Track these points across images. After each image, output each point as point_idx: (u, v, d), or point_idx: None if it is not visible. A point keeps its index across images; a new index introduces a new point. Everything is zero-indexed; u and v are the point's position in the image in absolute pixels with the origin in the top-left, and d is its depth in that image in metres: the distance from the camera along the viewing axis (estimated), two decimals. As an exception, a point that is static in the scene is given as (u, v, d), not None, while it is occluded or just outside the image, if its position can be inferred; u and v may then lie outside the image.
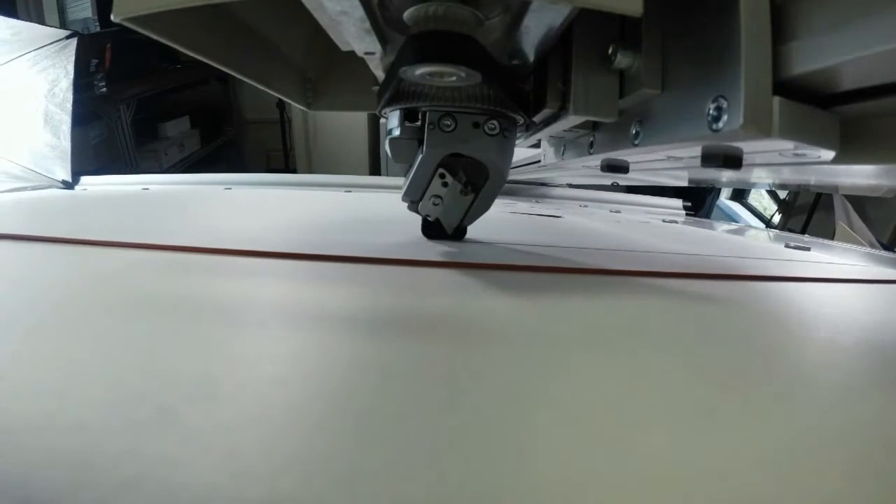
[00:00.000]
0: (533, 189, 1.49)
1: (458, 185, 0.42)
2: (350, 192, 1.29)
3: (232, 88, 2.84)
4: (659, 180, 0.71)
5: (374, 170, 2.45)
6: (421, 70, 0.30)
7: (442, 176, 0.42)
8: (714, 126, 0.23)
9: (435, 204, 0.44)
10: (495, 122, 0.38)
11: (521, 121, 0.41)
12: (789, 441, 0.16)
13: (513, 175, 1.24)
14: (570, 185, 1.49)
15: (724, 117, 0.23)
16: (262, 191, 1.22)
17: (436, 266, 0.39)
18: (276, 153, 2.80)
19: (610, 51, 0.30)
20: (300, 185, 1.36)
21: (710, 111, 0.23)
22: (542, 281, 0.37)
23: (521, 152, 0.85)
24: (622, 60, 0.29)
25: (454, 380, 0.19)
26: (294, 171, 2.55)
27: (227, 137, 2.89)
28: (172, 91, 2.46)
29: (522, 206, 1.15)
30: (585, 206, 1.35)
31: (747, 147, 0.25)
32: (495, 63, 0.34)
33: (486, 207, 0.44)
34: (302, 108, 0.50)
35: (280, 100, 2.57)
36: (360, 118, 2.37)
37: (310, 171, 2.50)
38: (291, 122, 2.62)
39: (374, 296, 0.30)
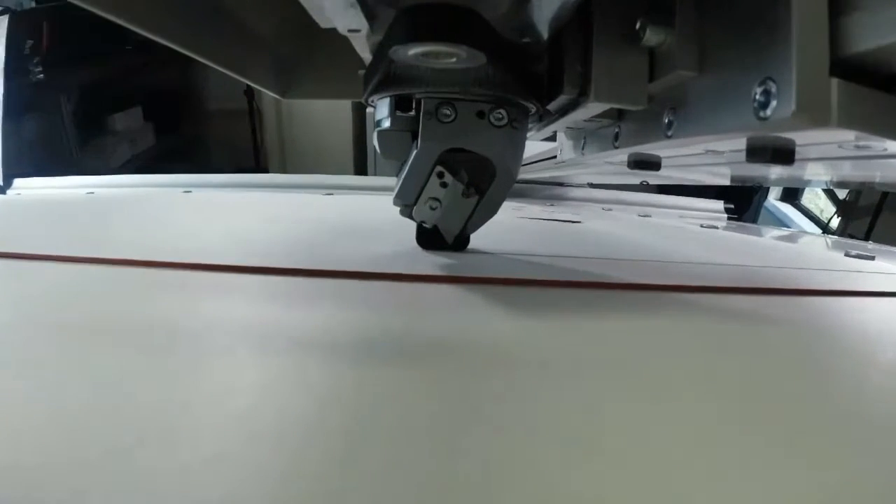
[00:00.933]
0: (547, 190, 1.50)
1: (459, 185, 0.42)
2: (331, 194, 1.29)
3: (192, 74, 2.85)
4: (696, 178, 0.71)
5: (361, 168, 2.46)
6: (414, 50, 0.30)
7: (440, 175, 0.42)
8: (761, 113, 0.23)
9: (432, 208, 0.43)
10: (502, 111, 0.38)
11: (534, 109, 0.41)
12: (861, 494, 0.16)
13: (523, 174, 1.24)
14: (592, 185, 1.51)
15: (773, 103, 0.23)
16: (228, 194, 1.23)
17: (432, 281, 0.39)
18: (245, 149, 2.81)
19: (637, 25, 0.30)
20: (272, 187, 1.37)
21: (757, 96, 0.23)
22: (558, 298, 0.37)
23: (534, 147, 0.85)
24: (652, 37, 0.30)
25: (454, 419, 0.19)
26: (265, 171, 2.56)
27: (187, 131, 2.89)
28: (122, 78, 2.47)
29: (534, 209, 1.15)
30: (609, 210, 1.35)
31: (800, 138, 0.25)
32: (502, 41, 0.34)
33: (492, 212, 0.43)
34: (275, 96, 0.50)
35: (249, 87, 2.60)
36: (343, 108, 2.38)
37: (284, 170, 2.51)
38: (262, 114, 2.63)
39: (359, 317, 0.30)
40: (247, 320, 0.29)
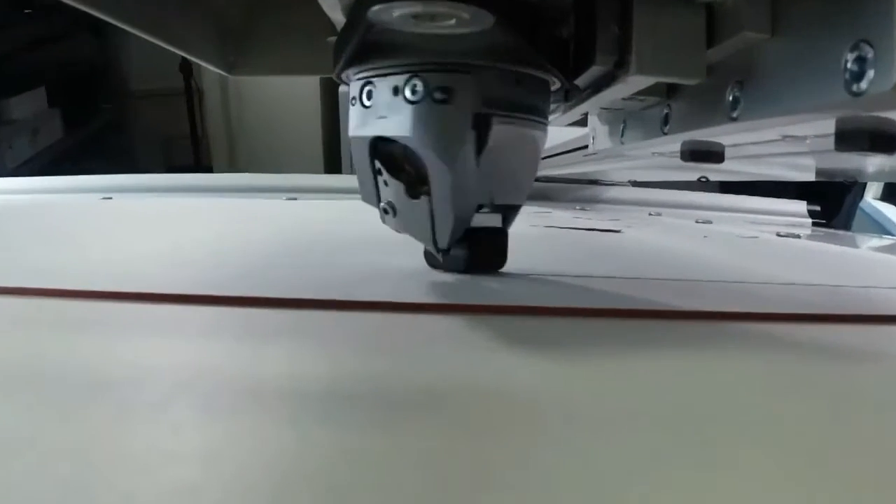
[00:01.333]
0: (578, 190, 1.51)
1: (400, 185, 0.42)
2: (295, 199, 1.30)
3: (111, 44, 2.85)
4: (770, 173, 0.71)
5: (333, 165, 2.46)
6: (402, 10, 0.31)
7: (378, 172, 0.42)
8: (854, 87, 0.23)
9: (385, 212, 0.44)
10: (418, 81, 0.38)
11: (556, 85, 0.41)
12: None
13: (547, 169, 1.25)
14: (634, 183, 1.52)
15: (870, 73, 0.23)
16: (160, 200, 1.23)
17: (428, 311, 0.39)
18: (182, 142, 2.81)
19: (691, -26, 0.30)
20: (218, 191, 1.39)
21: (848, 64, 0.23)
22: (595, 331, 0.37)
23: (558, 134, 0.85)
24: (711, -11, 0.30)
25: (459, 494, 0.19)
26: (209, 170, 2.55)
27: (106, 119, 2.87)
28: (20, 50, 2.44)
29: (563, 215, 1.16)
30: (658, 215, 1.37)
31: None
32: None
33: (447, 219, 0.42)
34: (220, 72, 0.50)
35: (185, 61, 2.58)
36: (308, 86, 2.38)
37: (233, 168, 2.49)
38: (204, 96, 2.64)
39: (332, 361, 0.30)
40: (189, 364, 0.29)
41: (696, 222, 1.25)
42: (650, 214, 1.39)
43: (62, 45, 2.62)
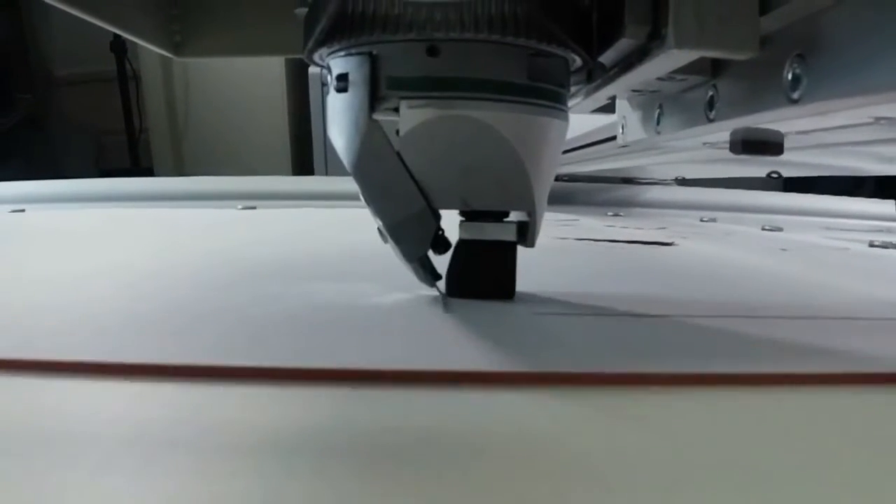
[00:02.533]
0: (609, 191, 1.50)
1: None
2: (254, 208, 1.27)
3: (28, 22, 2.84)
4: (853, 165, 0.71)
5: (302, 164, 2.45)
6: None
7: None
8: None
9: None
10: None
11: (577, 63, 0.42)
12: None
13: (571, 166, 1.27)
14: (680, 181, 1.50)
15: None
16: (84, 212, 1.20)
17: (434, 383, 0.34)
18: (116, 139, 2.79)
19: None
20: (158, 199, 1.36)
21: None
22: (660, 405, 0.33)
23: (581, 122, 0.85)
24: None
25: None
26: (149, 172, 2.53)
27: (22, 112, 2.82)
28: None
29: (593, 223, 1.13)
30: (711, 221, 1.34)
31: None
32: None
33: (385, 227, 0.44)
34: (165, 53, 0.50)
35: (117, 38, 2.51)
36: (271, 68, 2.38)
37: (179, 170, 2.47)
38: (141, 82, 2.60)
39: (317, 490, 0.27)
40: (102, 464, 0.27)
41: (764, 229, 1.21)
42: (702, 220, 1.37)
43: None
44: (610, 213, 1.37)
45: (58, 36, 2.79)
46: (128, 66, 2.64)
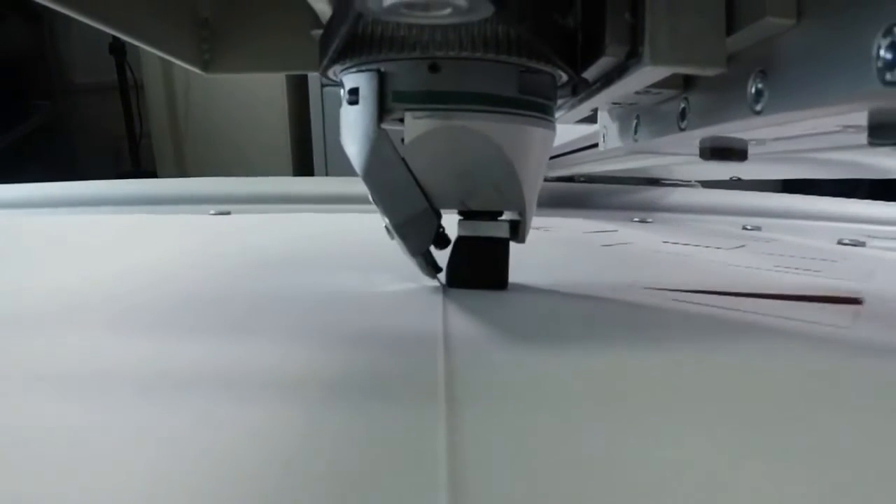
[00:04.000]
0: (631, 193, 1.29)
1: None
2: (227, 214, 1.10)
3: (48, 31, 2.66)
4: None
5: (303, 164, 2.34)
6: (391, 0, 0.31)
7: None
8: (888, 76, 0.23)
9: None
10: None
11: (563, 79, 0.42)
12: None
13: (590, 165, 1.11)
14: (736, 181, 1.24)
15: (906, 60, 0.23)
16: (24, 219, 1.04)
17: None
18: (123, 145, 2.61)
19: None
20: (119, 203, 1.20)
21: (881, 51, 0.24)
22: None
23: (567, 132, 0.84)
24: (729, -29, 0.30)
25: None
26: (152, 175, 2.38)
27: (40, 118, 2.66)
28: None
29: (640, 236, 0.93)
30: (755, 229, 1.12)
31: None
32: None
33: (393, 226, 0.45)
34: (195, 70, 0.50)
35: (116, 40, 2.36)
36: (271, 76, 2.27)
37: (182, 172, 2.35)
38: (144, 89, 2.43)
39: None
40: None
41: (841, 244, 0.91)
42: (746, 229, 1.13)
43: None
44: (636, 219, 1.18)
45: (77, 46, 2.66)
46: (127, 68, 2.49)
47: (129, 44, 0.54)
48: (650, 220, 1.17)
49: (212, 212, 1.10)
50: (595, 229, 0.99)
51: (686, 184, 1.34)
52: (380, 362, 0.33)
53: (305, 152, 2.29)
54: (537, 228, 0.65)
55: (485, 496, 0.20)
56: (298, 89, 2.25)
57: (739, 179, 1.07)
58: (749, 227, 1.14)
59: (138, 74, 2.46)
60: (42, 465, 0.22)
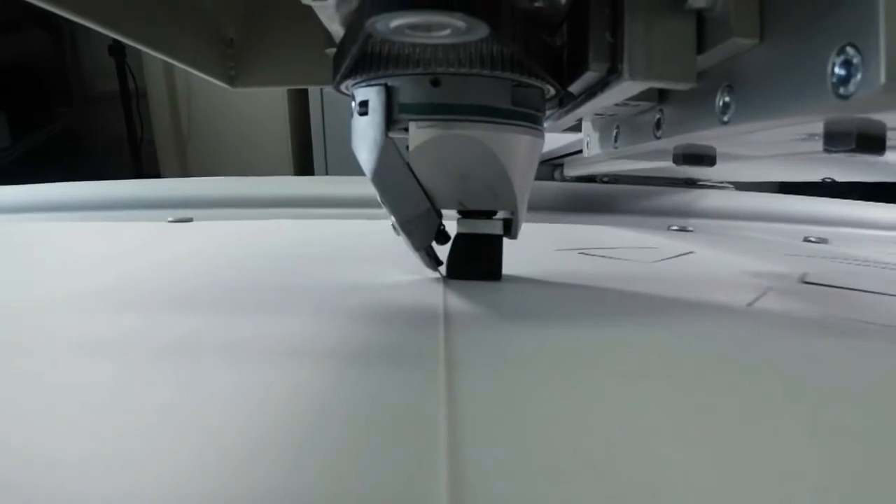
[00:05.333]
0: (662, 196, 1.08)
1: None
2: (189, 220, 0.90)
3: (69, 42, 2.55)
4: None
5: (304, 164, 2.23)
6: (399, 21, 0.31)
7: None
8: (841, 90, 0.24)
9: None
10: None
11: (552, 91, 0.42)
12: None
13: (591, 166, 0.99)
14: (829, 183, 0.90)
15: (857, 77, 0.23)
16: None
17: None
18: (147, 148, 2.42)
19: (681, -17, 0.31)
20: (58, 210, 1.02)
21: (835, 68, 0.24)
22: None
23: (557, 140, 0.84)
24: (700, -3, 0.30)
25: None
26: (155, 177, 2.23)
27: (61, 124, 2.55)
28: None
29: (658, 242, 0.76)
30: (820, 241, 0.89)
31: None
32: (510, 6, 0.35)
33: (399, 225, 0.46)
34: (221, 84, 0.51)
35: (116, 43, 2.23)
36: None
37: (185, 174, 2.22)
38: (147, 95, 2.32)
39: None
40: None
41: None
42: (808, 240, 0.89)
43: (8, 41, 2.31)
44: (674, 227, 0.95)
45: (97, 55, 2.48)
46: (127, 69, 2.36)
47: (129, 47, 0.54)
48: (690, 227, 0.96)
49: (170, 219, 0.90)
50: (634, 242, 0.76)
51: (720, 186, 1.14)
52: (390, 335, 0.35)
53: (304, 151, 2.20)
54: (581, 251, 0.58)
55: (479, 443, 0.22)
56: (299, 91, 2.16)
57: (833, 181, 0.81)
58: (813, 239, 0.89)
59: (141, 79, 2.34)
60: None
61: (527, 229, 0.47)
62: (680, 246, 0.74)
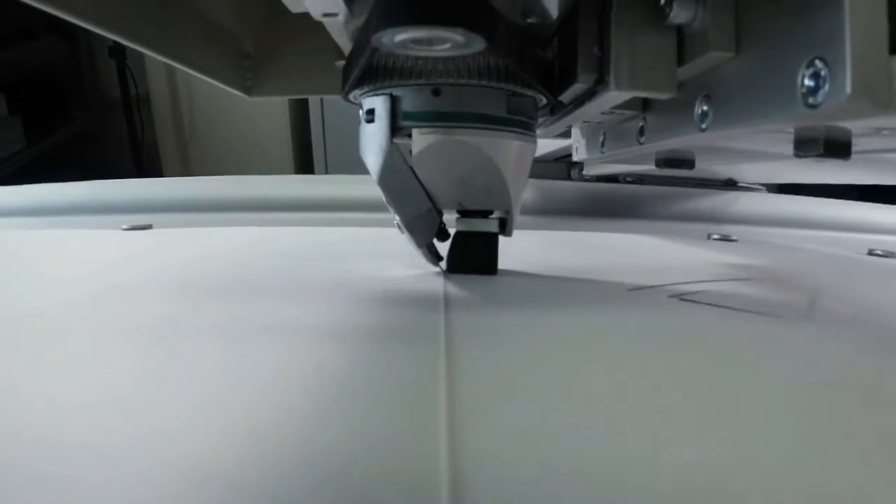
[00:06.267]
0: (696, 199, 0.92)
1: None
2: (148, 227, 0.73)
3: (86, 49, 2.49)
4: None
5: (304, 163, 2.17)
6: (402, 36, 0.31)
7: None
8: (810, 100, 0.24)
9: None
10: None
11: (543, 101, 0.42)
12: None
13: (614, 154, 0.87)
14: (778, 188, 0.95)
15: (824, 88, 0.23)
16: None
17: None
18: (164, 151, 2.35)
19: (662, 0, 0.31)
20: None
21: (804, 80, 0.24)
22: None
23: (548, 145, 0.83)
24: (680, 13, 0.31)
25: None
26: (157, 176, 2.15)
27: (77, 128, 2.46)
28: None
29: (699, 255, 0.64)
30: (890, 257, 0.71)
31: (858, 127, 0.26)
32: (505, 22, 0.35)
33: (403, 221, 0.46)
34: (238, 93, 0.51)
35: (117, 45, 2.10)
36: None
37: (186, 173, 2.17)
38: (150, 100, 2.25)
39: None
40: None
41: None
42: (873, 254, 0.71)
43: (24, 48, 2.21)
44: (715, 237, 0.78)
45: (111, 63, 2.36)
46: (128, 71, 2.27)
47: (130, 49, 0.51)
48: (734, 237, 0.77)
49: (124, 226, 0.72)
50: (687, 258, 0.63)
51: (752, 188, 0.97)
52: (396, 316, 0.37)
53: (304, 150, 2.15)
54: (671, 293, 0.42)
55: (475, 407, 0.23)
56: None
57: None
58: (879, 252, 0.71)
59: (144, 81, 2.25)
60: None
61: (554, 239, 0.46)
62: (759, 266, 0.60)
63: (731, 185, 0.95)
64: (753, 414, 0.25)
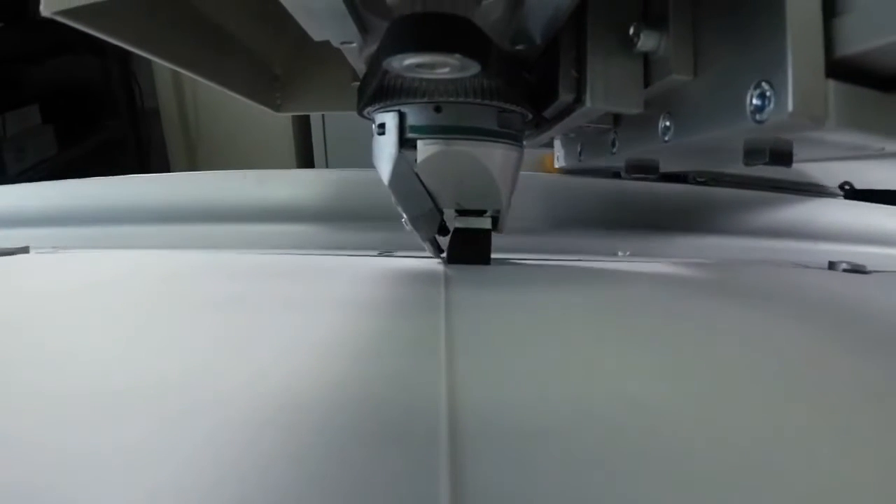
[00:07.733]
0: (774, 207, 0.65)
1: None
2: (25, 251, 0.49)
3: (114, 63, 2.28)
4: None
5: (306, 159, 2.03)
6: (408, 61, 0.32)
7: None
8: (757, 117, 0.24)
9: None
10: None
11: (530, 116, 0.42)
12: None
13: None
14: (848, 189, 0.72)
15: (769, 106, 0.24)
16: None
17: None
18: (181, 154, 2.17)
19: (631, 31, 0.31)
20: None
21: (753, 99, 0.25)
22: None
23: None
24: (646, 41, 0.31)
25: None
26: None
27: (106, 135, 2.35)
28: (10, 64, 1.84)
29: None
30: None
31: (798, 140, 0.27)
32: (497, 49, 0.36)
33: (409, 219, 0.47)
34: (268, 109, 0.51)
35: (124, 67, 2.10)
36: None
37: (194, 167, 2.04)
38: (157, 100, 2.10)
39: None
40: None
41: None
42: None
43: (60, 62, 2.10)
44: (845, 266, 0.49)
45: (150, 74, 2.18)
46: (136, 86, 2.18)
47: (139, 63, 0.50)
48: (868, 268, 0.48)
49: (47, 249, 0.51)
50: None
51: (829, 192, 0.72)
52: (404, 291, 0.38)
53: (305, 147, 1.99)
54: None
55: (469, 350, 0.24)
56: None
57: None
58: None
59: (151, 86, 2.10)
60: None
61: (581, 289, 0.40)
62: None
63: (778, 188, 0.69)
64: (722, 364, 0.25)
